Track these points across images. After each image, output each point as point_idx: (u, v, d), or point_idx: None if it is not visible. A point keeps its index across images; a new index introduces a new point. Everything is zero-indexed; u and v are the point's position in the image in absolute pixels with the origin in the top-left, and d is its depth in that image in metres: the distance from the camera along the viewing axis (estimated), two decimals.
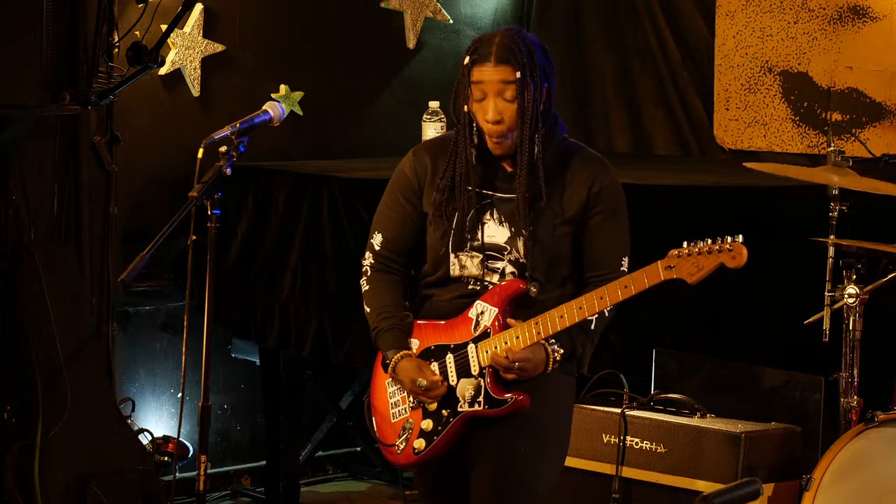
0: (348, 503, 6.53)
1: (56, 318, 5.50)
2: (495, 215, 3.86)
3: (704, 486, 4.80)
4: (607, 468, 5.06)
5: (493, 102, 3.80)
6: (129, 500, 5.47)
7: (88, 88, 5.75)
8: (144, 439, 5.81)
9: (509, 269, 3.84)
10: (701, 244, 3.66)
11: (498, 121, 3.80)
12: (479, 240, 3.86)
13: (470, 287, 3.88)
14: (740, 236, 3.62)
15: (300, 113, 6.57)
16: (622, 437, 5.05)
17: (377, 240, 3.99)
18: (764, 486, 4.45)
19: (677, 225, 5.39)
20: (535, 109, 3.81)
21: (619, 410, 5.09)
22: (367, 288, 3.99)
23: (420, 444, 3.87)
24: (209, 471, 5.88)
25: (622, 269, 3.86)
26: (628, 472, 5.05)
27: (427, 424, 3.87)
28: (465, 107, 3.85)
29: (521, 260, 3.83)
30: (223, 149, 4.06)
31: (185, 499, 5.90)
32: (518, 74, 3.79)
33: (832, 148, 5.00)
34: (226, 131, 4.11)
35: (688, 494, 4.89)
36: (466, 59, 3.85)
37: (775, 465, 4.94)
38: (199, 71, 6.34)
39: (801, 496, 4.73)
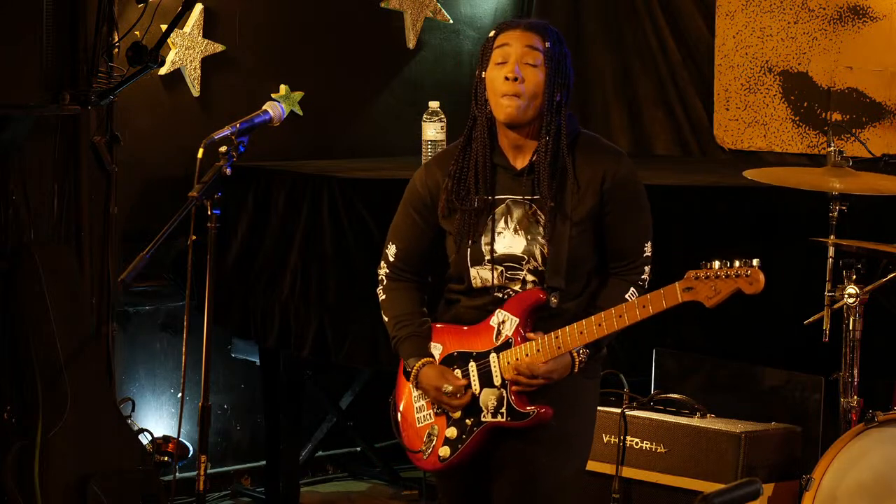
0: (348, 503, 6.52)
1: (56, 318, 5.50)
2: (510, 224, 3.83)
3: (704, 486, 4.80)
4: (607, 468, 5.07)
5: (514, 62, 3.77)
6: (129, 500, 5.46)
7: (88, 88, 5.74)
8: (144, 439, 5.81)
9: (529, 277, 3.82)
10: (717, 266, 3.62)
11: (516, 78, 3.76)
12: (495, 252, 3.83)
13: (495, 294, 3.85)
14: (756, 260, 3.60)
15: (300, 113, 6.57)
16: (622, 437, 5.05)
17: (391, 250, 3.98)
18: (764, 486, 4.45)
19: (677, 225, 5.40)
20: (559, 89, 3.79)
21: (619, 410, 5.09)
22: (383, 297, 3.98)
23: (445, 451, 3.86)
24: (209, 471, 5.88)
25: (646, 254, 3.84)
26: (628, 472, 5.05)
27: (451, 432, 3.86)
28: (483, 73, 3.82)
29: (540, 268, 3.80)
30: (223, 149, 4.06)
31: (185, 499, 5.90)
32: (548, 44, 3.79)
33: (832, 148, 5.01)
34: (226, 131, 4.10)
35: (688, 494, 4.89)
36: (492, 32, 3.85)
37: (775, 465, 4.94)
38: (199, 71, 6.34)
39: (801, 496, 4.74)
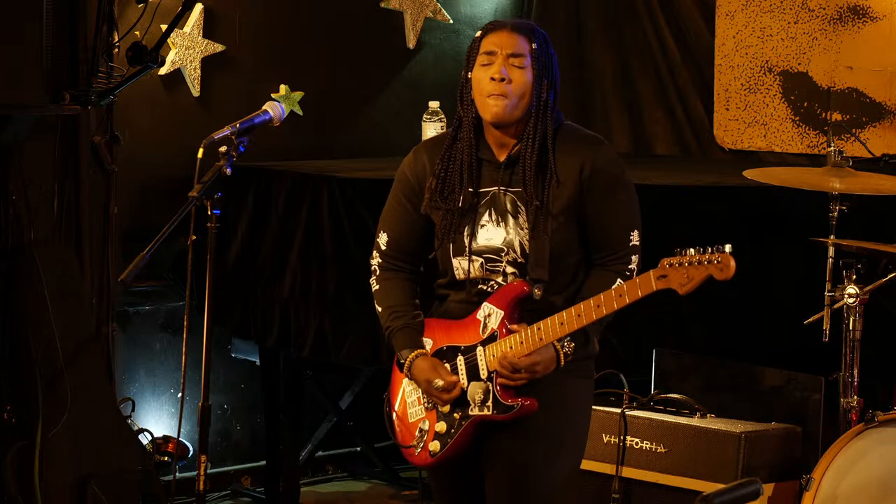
0: (348, 503, 6.53)
1: (56, 318, 5.50)
2: (493, 216, 3.85)
3: (704, 486, 4.80)
4: (607, 468, 5.07)
5: (500, 63, 3.78)
6: (129, 500, 5.47)
7: (88, 88, 5.74)
8: (144, 439, 5.81)
9: (509, 269, 3.83)
10: (691, 253, 3.62)
11: (503, 79, 3.77)
12: (476, 244, 3.84)
13: (479, 287, 3.86)
14: (728, 246, 3.59)
15: (300, 113, 6.57)
16: (622, 437, 5.05)
17: (383, 239, 3.98)
18: (764, 486, 4.45)
19: (677, 225, 5.40)
20: (546, 89, 3.80)
21: (619, 410, 5.09)
22: (376, 287, 3.99)
23: (435, 446, 3.87)
24: (209, 471, 5.87)
25: (632, 243, 3.83)
26: (628, 472, 5.05)
27: (441, 427, 3.87)
28: (469, 74, 3.83)
29: (520, 260, 3.82)
30: (223, 149, 4.06)
31: (185, 499, 5.89)
32: (534, 45, 3.79)
33: (832, 148, 5.01)
34: (226, 131, 4.10)
35: (688, 494, 4.89)
36: (479, 33, 3.85)
37: (775, 465, 4.94)
38: (199, 71, 6.34)
39: (801, 496, 4.74)
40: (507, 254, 3.83)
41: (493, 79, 3.78)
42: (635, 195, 3.89)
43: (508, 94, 3.78)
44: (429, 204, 3.89)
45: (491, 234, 3.84)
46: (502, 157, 3.86)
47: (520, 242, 3.81)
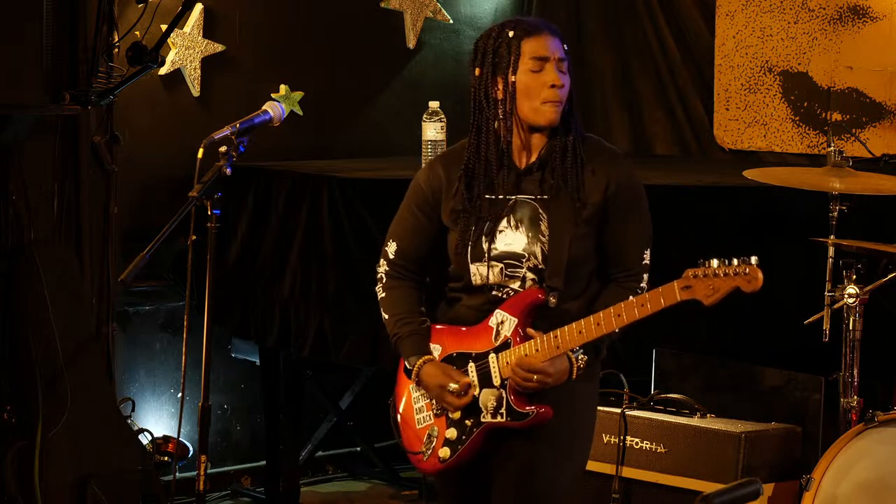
0: (348, 503, 6.53)
1: (56, 318, 5.50)
2: (512, 222, 3.83)
3: (704, 486, 4.80)
4: (607, 468, 5.07)
5: (555, 70, 3.78)
6: (129, 500, 5.47)
7: (88, 88, 5.74)
8: (144, 439, 5.81)
9: (529, 275, 3.81)
10: (717, 265, 3.61)
11: (562, 86, 3.78)
12: (496, 249, 3.83)
13: (494, 293, 3.84)
14: (754, 258, 3.58)
15: (300, 113, 6.57)
16: (622, 437, 5.06)
17: (392, 248, 3.97)
18: (764, 486, 4.46)
19: (677, 225, 5.40)
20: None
21: (619, 410, 5.09)
22: (383, 295, 3.98)
23: (445, 452, 3.86)
24: (209, 471, 5.87)
25: (644, 262, 3.84)
26: (628, 472, 5.05)
27: (451, 433, 3.86)
28: (511, 77, 3.80)
29: (540, 266, 3.80)
30: (223, 149, 4.06)
31: (185, 499, 5.88)
32: (566, 47, 3.83)
33: (832, 148, 5.01)
34: (226, 131, 4.10)
35: (688, 494, 4.89)
36: (511, 33, 3.81)
37: (775, 465, 4.94)
38: (199, 71, 6.35)
39: (801, 496, 4.74)
40: (527, 260, 3.81)
41: (553, 86, 3.78)
42: (650, 215, 3.89)
43: (563, 100, 3.80)
44: (454, 207, 3.87)
45: (510, 239, 3.83)
46: (522, 162, 3.85)
47: (541, 249, 3.80)
